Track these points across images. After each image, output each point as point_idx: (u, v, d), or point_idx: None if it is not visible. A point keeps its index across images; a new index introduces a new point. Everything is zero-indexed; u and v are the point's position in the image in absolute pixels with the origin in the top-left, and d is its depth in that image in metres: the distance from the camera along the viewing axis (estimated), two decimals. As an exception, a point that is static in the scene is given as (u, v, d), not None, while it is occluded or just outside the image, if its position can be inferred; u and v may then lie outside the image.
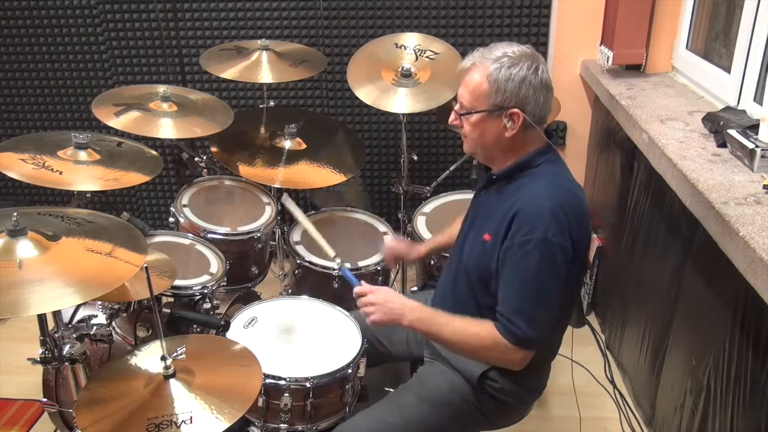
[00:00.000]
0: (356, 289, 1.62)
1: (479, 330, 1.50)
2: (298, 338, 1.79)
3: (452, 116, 1.57)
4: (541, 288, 1.44)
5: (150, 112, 2.10)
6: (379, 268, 2.19)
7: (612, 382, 2.55)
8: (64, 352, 1.48)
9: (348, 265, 1.99)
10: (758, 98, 1.99)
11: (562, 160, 1.57)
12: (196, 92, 2.35)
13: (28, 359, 1.51)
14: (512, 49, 1.48)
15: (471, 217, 1.69)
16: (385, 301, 1.56)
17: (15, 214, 1.32)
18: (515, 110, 1.46)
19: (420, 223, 2.37)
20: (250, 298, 2.28)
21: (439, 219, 2.36)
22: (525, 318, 1.44)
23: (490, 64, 1.46)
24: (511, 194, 1.51)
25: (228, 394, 1.35)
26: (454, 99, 1.56)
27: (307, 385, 1.61)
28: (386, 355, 1.89)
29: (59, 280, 1.26)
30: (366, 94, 2.30)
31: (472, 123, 1.52)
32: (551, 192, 1.46)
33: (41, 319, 1.44)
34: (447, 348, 1.64)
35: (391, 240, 2.08)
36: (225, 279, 2.05)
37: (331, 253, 1.81)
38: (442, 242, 1.98)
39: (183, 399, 1.33)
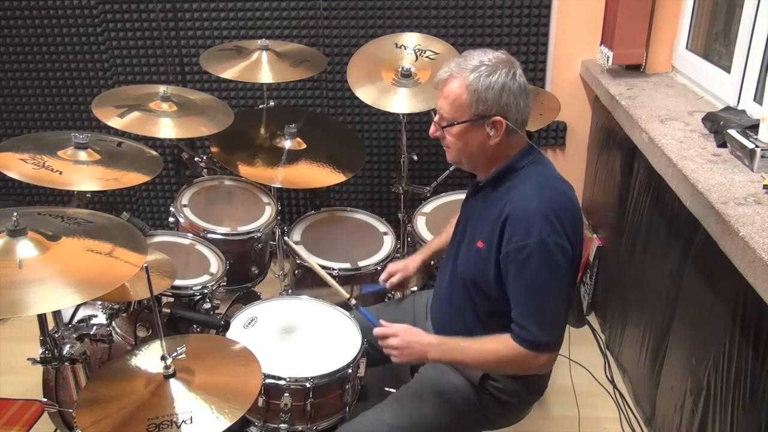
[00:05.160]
0: (376, 331, 1.61)
1: (497, 346, 1.49)
2: (298, 338, 1.79)
3: (433, 128, 1.56)
4: (545, 290, 1.44)
5: (150, 112, 2.10)
6: (379, 268, 2.19)
7: (612, 382, 2.55)
8: (64, 352, 1.49)
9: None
10: (758, 98, 1.99)
11: (547, 159, 1.57)
12: (196, 92, 2.35)
13: (28, 359, 1.51)
14: (488, 56, 1.47)
15: (462, 225, 1.69)
16: (407, 343, 1.56)
17: (15, 214, 1.32)
18: (498, 118, 1.46)
19: (420, 223, 2.38)
20: (250, 298, 2.28)
21: (439, 219, 2.36)
22: (535, 322, 1.44)
23: (468, 74, 1.45)
24: (499, 200, 1.51)
25: (228, 394, 1.35)
26: (434, 110, 1.55)
27: (307, 385, 1.61)
28: (386, 355, 1.89)
29: (59, 280, 1.26)
30: (366, 94, 2.30)
31: (455, 134, 1.51)
32: (539, 194, 1.45)
33: (41, 319, 1.44)
34: (475, 371, 1.63)
35: (388, 267, 1.99)
36: (225, 279, 2.05)
37: (346, 295, 1.76)
38: (439, 245, 1.97)
39: (183, 399, 1.33)
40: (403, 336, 1.56)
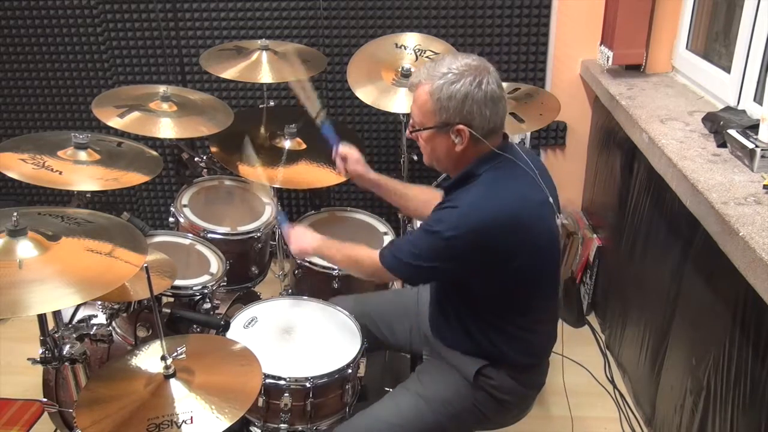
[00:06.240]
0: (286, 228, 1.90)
1: (365, 250, 1.69)
2: (298, 338, 1.79)
3: (408, 130, 1.60)
4: (419, 252, 1.51)
5: (150, 112, 2.10)
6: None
7: (612, 382, 2.55)
8: (64, 352, 1.48)
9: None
10: (758, 98, 1.99)
11: (510, 166, 1.52)
12: (196, 92, 2.34)
13: (28, 359, 1.51)
14: (456, 63, 1.47)
15: None
16: (295, 235, 1.86)
17: (15, 214, 1.32)
18: (461, 126, 1.47)
19: (420, 223, 2.37)
20: (250, 298, 2.28)
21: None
22: (396, 249, 1.58)
23: (435, 82, 1.46)
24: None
25: (228, 394, 1.35)
26: (410, 113, 1.59)
27: (307, 385, 1.62)
28: (385, 343, 1.90)
29: (59, 280, 1.26)
30: (366, 94, 2.30)
31: (424, 138, 1.55)
32: (473, 203, 1.46)
33: (41, 319, 1.44)
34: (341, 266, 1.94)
35: (349, 150, 1.97)
36: (225, 279, 2.05)
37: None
38: (393, 187, 1.98)
39: (183, 399, 1.33)
40: (297, 231, 1.87)
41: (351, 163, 1.93)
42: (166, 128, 2.06)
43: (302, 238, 1.84)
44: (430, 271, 1.53)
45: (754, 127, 1.81)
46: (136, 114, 2.06)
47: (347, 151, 1.95)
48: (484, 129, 1.48)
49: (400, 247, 1.58)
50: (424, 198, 1.94)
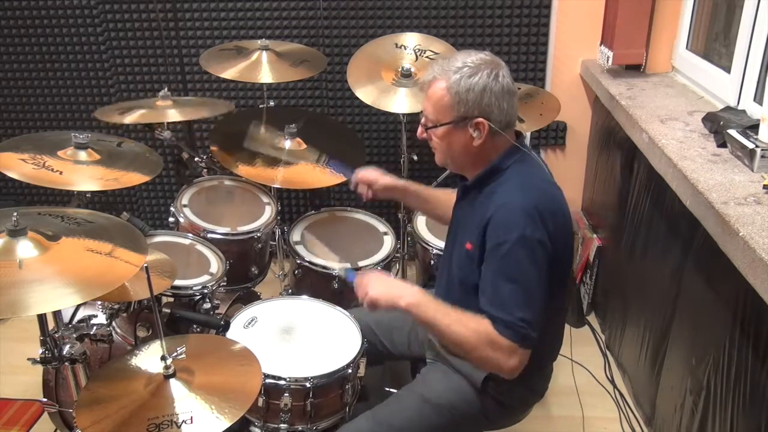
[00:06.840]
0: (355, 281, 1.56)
1: (477, 326, 1.42)
2: (298, 338, 1.79)
3: (419, 130, 1.57)
4: (529, 286, 1.41)
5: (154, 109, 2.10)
6: (379, 268, 2.19)
7: (612, 382, 2.55)
8: (64, 352, 1.48)
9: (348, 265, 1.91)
10: (758, 98, 1.99)
11: (534, 159, 1.55)
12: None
13: (28, 359, 1.51)
14: (471, 58, 1.47)
15: (453, 229, 1.70)
16: (386, 280, 1.52)
17: (15, 214, 1.32)
18: (480, 119, 1.46)
19: (420, 223, 2.38)
20: (250, 298, 2.28)
21: (439, 219, 2.36)
22: (523, 313, 1.41)
23: (451, 76, 1.46)
24: (484, 200, 1.51)
25: (228, 394, 1.35)
26: (421, 112, 1.57)
27: (307, 385, 1.61)
28: (386, 354, 1.89)
29: (59, 280, 1.26)
30: (366, 94, 2.30)
31: (439, 135, 1.52)
32: (522, 191, 1.46)
33: (41, 319, 1.44)
34: (441, 341, 1.59)
35: (363, 170, 1.94)
36: (225, 279, 2.05)
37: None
38: (415, 187, 1.90)
39: (183, 399, 1.33)
40: (382, 276, 1.54)
41: (378, 181, 1.88)
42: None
43: (392, 282, 1.53)
44: (543, 296, 1.42)
45: (754, 127, 1.81)
46: (140, 111, 2.06)
47: (366, 173, 1.91)
48: (502, 122, 1.48)
49: (503, 295, 1.41)
50: (450, 203, 1.86)
